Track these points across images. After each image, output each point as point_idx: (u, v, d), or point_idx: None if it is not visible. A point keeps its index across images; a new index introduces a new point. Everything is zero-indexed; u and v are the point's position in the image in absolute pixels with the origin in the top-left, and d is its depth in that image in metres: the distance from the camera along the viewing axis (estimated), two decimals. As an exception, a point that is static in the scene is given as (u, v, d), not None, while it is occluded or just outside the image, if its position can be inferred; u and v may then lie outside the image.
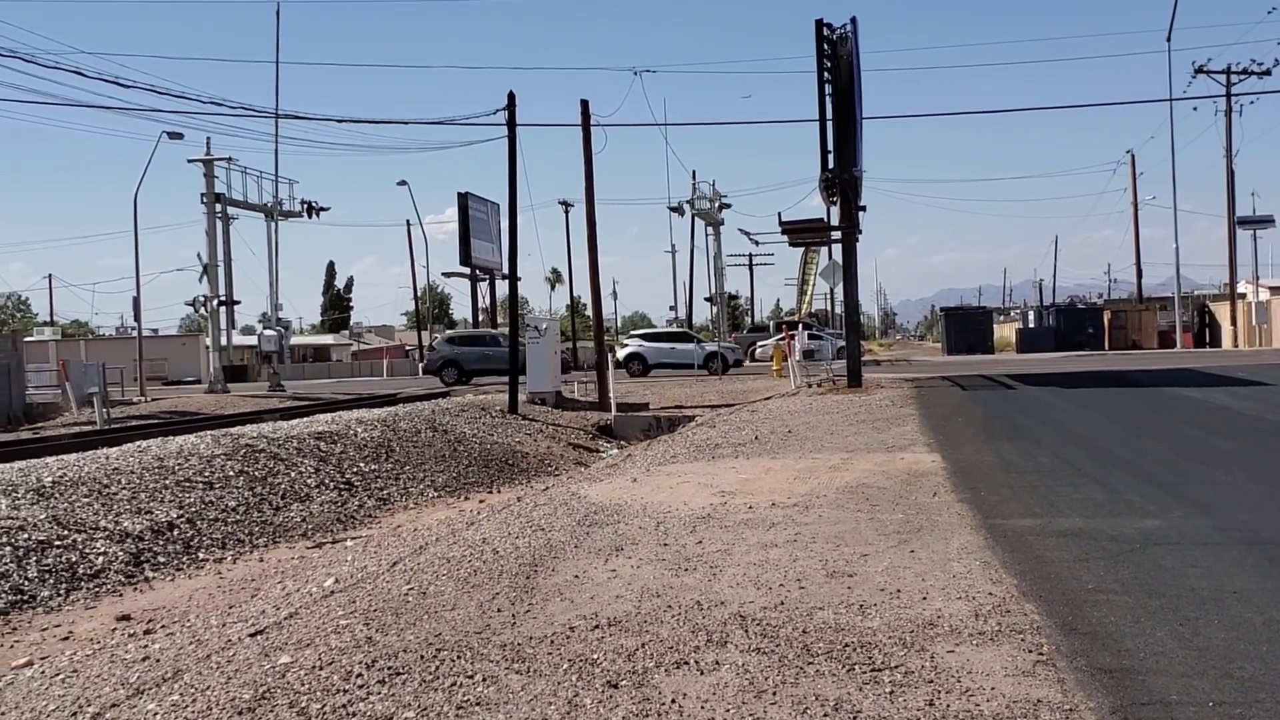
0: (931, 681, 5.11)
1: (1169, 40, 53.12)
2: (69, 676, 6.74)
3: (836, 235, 28.93)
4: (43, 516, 12.11)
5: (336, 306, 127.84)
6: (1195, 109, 56.14)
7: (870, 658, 5.48)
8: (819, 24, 26.04)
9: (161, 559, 12.13)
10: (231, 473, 15.65)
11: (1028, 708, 4.73)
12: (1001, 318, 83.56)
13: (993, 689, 4.98)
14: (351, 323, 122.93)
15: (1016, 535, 8.39)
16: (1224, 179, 54.26)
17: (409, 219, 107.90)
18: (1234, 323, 53.98)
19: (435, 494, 17.72)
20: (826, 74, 26.23)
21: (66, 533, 11.91)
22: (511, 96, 29.50)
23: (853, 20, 26.52)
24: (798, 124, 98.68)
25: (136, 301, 46.36)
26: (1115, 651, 5.43)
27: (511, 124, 29.41)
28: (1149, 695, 4.81)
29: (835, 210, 28.08)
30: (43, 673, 7.15)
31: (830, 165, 26.14)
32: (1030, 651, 5.47)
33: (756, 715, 4.80)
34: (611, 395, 29.66)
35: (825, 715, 4.76)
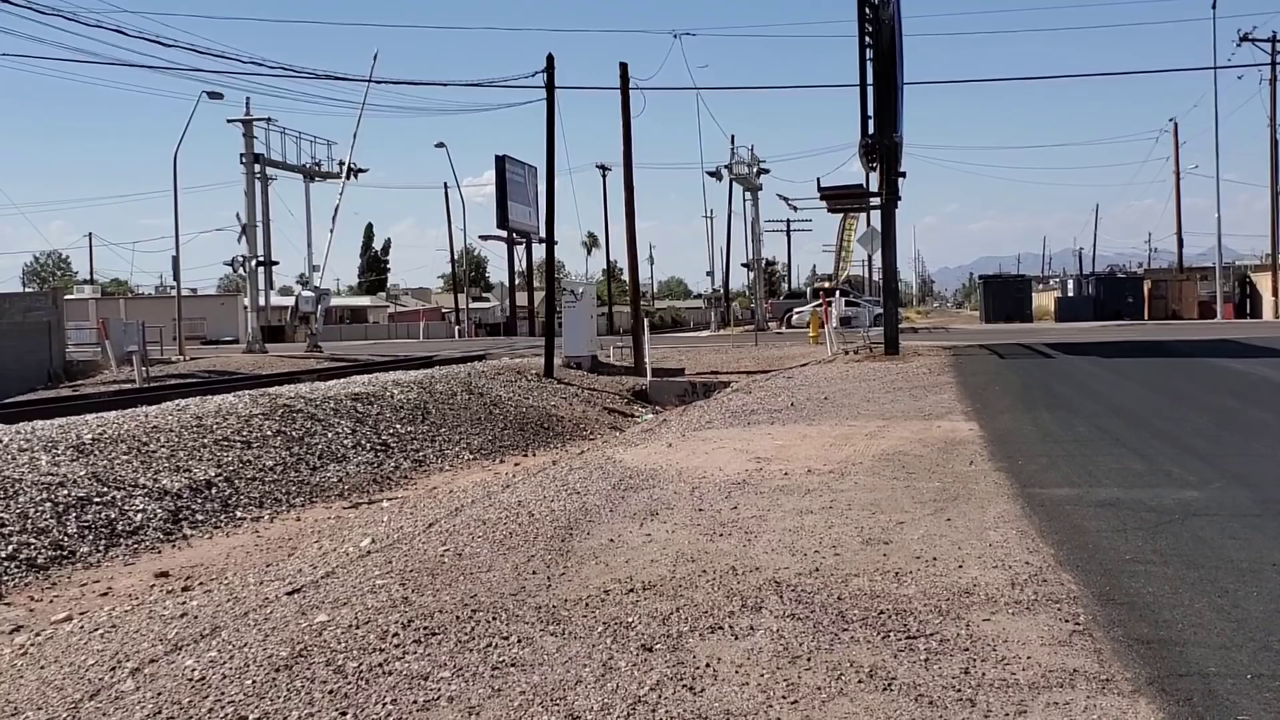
0: (967, 650, 5.09)
1: (1214, 7, 52.38)
2: (108, 631, 6.81)
3: (876, 201, 28.79)
4: (82, 473, 12.22)
5: (374, 268, 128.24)
6: (1240, 77, 55.43)
7: (905, 625, 5.47)
8: (860, -14, 25.80)
9: (200, 517, 12.23)
10: (269, 432, 15.74)
11: (1064, 677, 4.71)
12: (1040, 286, 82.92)
13: (1028, 658, 4.96)
14: (389, 285, 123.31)
15: (1054, 505, 8.34)
16: (1268, 148, 53.57)
17: (446, 181, 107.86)
18: (1275, 293, 53.36)
19: (471, 456, 17.78)
20: (867, 38, 25.98)
21: (106, 489, 12.02)
22: (550, 59, 29.44)
23: (895, -18, 26.26)
24: (838, 89, 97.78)
25: (175, 261, 46.60)
26: (1153, 622, 5.39)
27: (550, 86, 29.35)
28: (1187, 666, 4.78)
29: (874, 176, 27.91)
30: (82, 627, 7.22)
31: (870, 131, 25.93)
32: (1067, 621, 5.44)
33: (790, 681, 4.80)
34: (647, 360, 29.66)
35: (860, 682, 4.76)
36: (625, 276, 39.46)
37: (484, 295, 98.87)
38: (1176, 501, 8.34)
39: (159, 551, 11.01)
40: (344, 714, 4.69)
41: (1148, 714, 4.29)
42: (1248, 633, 5.20)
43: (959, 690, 4.62)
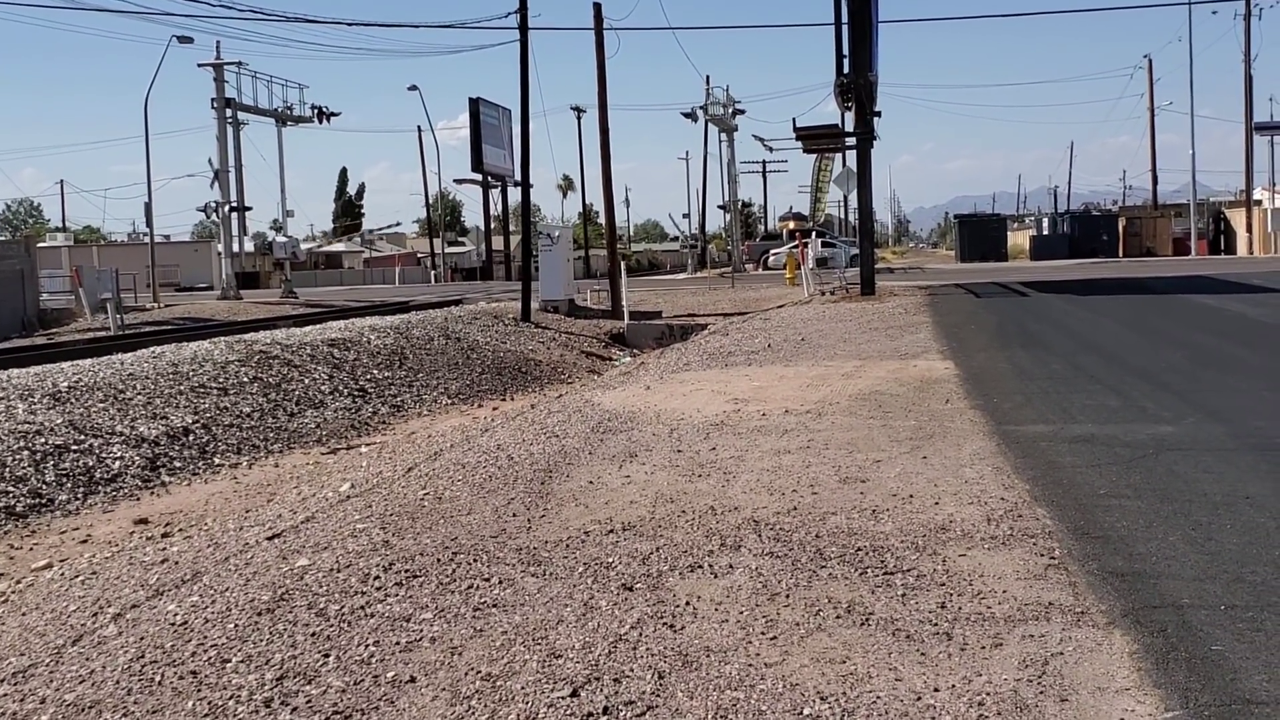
0: (943, 585, 5.14)
1: (1190, -58, 52.09)
2: (88, 578, 6.81)
3: (851, 141, 28.76)
4: (59, 421, 12.19)
5: (348, 213, 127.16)
6: (1215, 13, 55.28)
7: (882, 561, 5.51)
8: (835, -76, 25.60)
9: (178, 464, 12.23)
10: (246, 379, 15.71)
11: (1039, 610, 4.76)
12: (1016, 225, 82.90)
13: (1004, 592, 5.01)
14: (363, 230, 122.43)
15: (1029, 441, 8.40)
16: (1242, 84, 53.54)
17: (420, 125, 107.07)
18: (1249, 230, 53.47)
19: (449, 401, 17.79)
20: (842, -25, 25.84)
21: (83, 437, 12.00)
22: (523, -1, 29.18)
23: (870, -80, 26.06)
24: (813, 28, 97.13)
25: (148, 207, 46.29)
26: (1127, 555, 5.45)
27: (523, 27, 29.12)
28: (1160, 598, 4.83)
29: (850, 116, 27.87)
30: (62, 574, 7.23)
31: (845, 70, 25.87)
32: (1042, 555, 5.49)
33: (769, 617, 4.84)
34: (624, 303, 29.64)
35: (838, 618, 4.80)
36: (602, 219, 39.34)
37: (460, 239, 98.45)
38: (1151, 436, 8.40)
39: (137, 499, 11.01)
40: (326, 656, 4.70)
41: (1122, 646, 4.33)
42: (1221, 565, 5.26)
43: (935, 624, 4.67)
